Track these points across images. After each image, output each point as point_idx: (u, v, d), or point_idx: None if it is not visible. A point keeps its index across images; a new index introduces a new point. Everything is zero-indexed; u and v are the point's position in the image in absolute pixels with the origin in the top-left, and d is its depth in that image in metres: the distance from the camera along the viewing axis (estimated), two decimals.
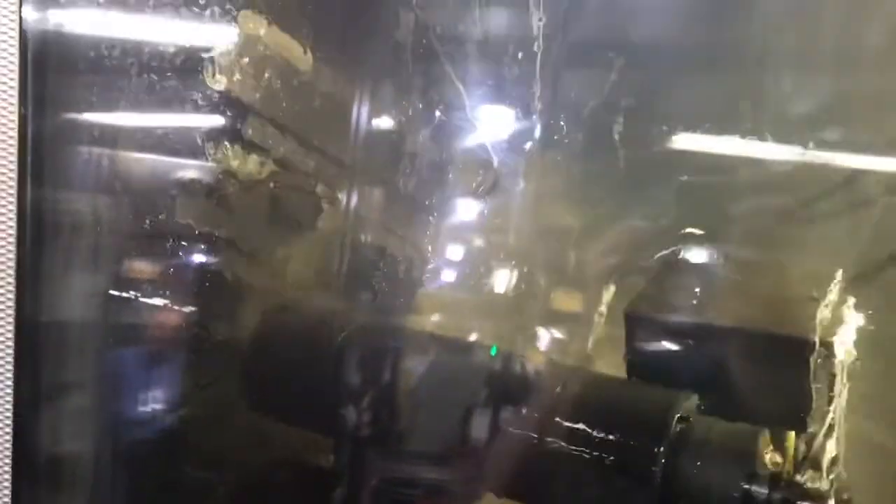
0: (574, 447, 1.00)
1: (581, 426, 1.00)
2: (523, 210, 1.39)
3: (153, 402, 1.29)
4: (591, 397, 1.05)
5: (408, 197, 1.42)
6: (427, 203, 1.41)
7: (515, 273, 1.37)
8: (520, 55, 1.29)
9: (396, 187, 1.40)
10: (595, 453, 0.98)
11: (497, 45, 1.32)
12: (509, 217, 1.40)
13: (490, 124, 1.36)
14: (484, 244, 1.41)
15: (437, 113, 1.35)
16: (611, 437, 0.98)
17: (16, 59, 0.81)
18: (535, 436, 1.04)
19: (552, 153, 1.34)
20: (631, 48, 1.26)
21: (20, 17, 0.82)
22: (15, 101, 0.81)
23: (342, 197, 1.40)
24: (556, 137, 1.33)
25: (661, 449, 0.95)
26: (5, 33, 0.83)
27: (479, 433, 1.11)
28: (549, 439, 1.03)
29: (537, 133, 1.33)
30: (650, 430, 0.97)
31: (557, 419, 1.03)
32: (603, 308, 1.25)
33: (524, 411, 1.09)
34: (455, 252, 1.42)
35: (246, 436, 1.35)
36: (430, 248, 1.41)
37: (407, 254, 1.42)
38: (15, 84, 0.81)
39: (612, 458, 0.98)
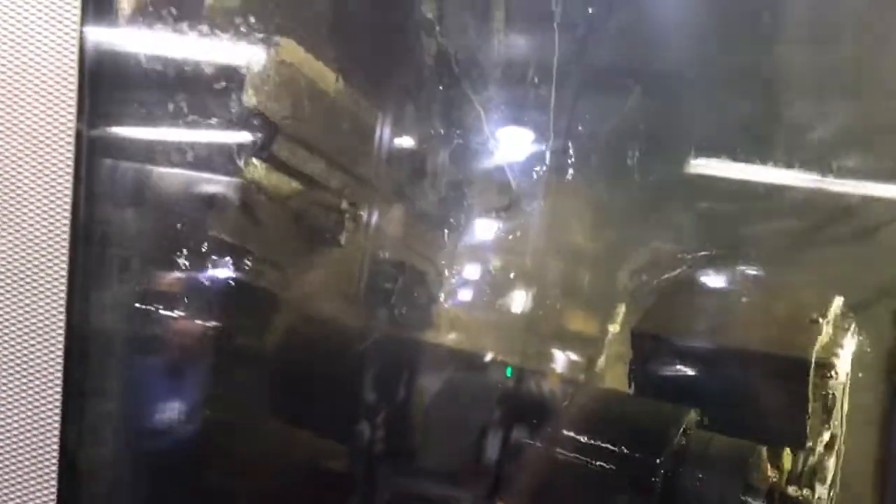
0: (579, 458, 1.05)
1: (585, 438, 1.05)
2: (539, 231, 1.43)
3: (186, 410, 1.35)
4: (595, 410, 1.09)
5: (427, 216, 1.47)
6: (446, 222, 1.46)
7: (530, 292, 1.41)
8: (538, 81, 1.34)
9: (417, 206, 1.46)
10: (599, 464, 1.03)
11: (516, 70, 1.37)
12: (525, 237, 1.44)
13: (509, 147, 1.41)
14: (500, 263, 1.46)
15: (458, 135, 1.41)
16: (614, 448, 1.03)
17: (75, 78, 0.88)
18: (542, 447, 1.09)
19: (568, 176, 1.39)
20: (647, 75, 1.31)
21: (80, 37, 0.89)
22: (73, 116, 0.88)
23: (364, 214, 1.45)
24: (572, 161, 1.37)
25: (662, 461, 0.99)
26: (66, 50, 0.90)
27: (489, 446, 1.15)
28: (556, 450, 1.08)
29: (554, 156, 1.38)
30: (652, 443, 1.01)
31: (563, 431, 1.08)
32: (615, 327, 1.29)
33: (532, 424, 1.14)
34: (471, 271, 1.47)
35: (274, 442, 1.40)
36: (447, 266, 1.45)
37: (424, 271, 1.47)
38: (74, 100, 0.88)
39: (615, 468, 1.02)
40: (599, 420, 1.08)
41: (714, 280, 1.18)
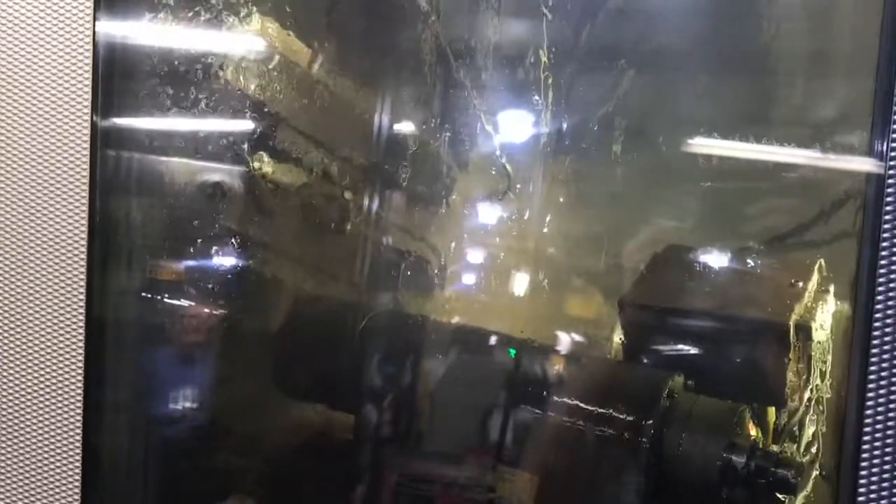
0: (572, 423, 1.10)
1: (578, 404, 1.11)
2: (537, 215, 1.46)
3: (200, 395, 1.41)
4: (587, 378, 1.15)
5: (425, 201, 1.51)
6: (444, 208, 1.50)
7: (530, 277, 1.45)
8: (532, 64, 1.37)
9: (414, 192, 1.50)
10: (591, 427, 1.09)
11: (510, 54, 1.40)
12: (523, 222, 1.48)
13: (504, 131, 1.45)
14: (498, 249, 1.49)
15: (453, 121, 1.45)
16: (604, 412, 1.08)
17: (89, 70, 0.94)
18: (540, 413, 1.15)
19: (566, 159, 1.42)
20: (641, 55, 1.34)
21: (94, 31, 0.94)
22: (88, 109, 0.94)
23: (365, 201, 1.49)
24: (568, 144, 1.41)
25: (649, 423, 1.05)
26: (80, 45, 0.95)
27: (492, 417, 1.21)
28: (553, 417, 1.14)
29: (551, 139, 1.41)
30: (640, 406, 1.07)
31: (559, 398, 1.14)
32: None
33: (532, 394, 1.19)
34: (471, 257, 1.51)
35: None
36: (446, 252, 1.49)
37: (425, 257, 1.51)
38: (88, 93, 0.94)
39: (605, 431, 1.08)
40: (591, 386, 1.13)
41: (700, 253, 1.22)
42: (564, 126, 1.39)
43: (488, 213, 1.49)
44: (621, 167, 1.34)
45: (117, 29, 1.03)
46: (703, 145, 1.24)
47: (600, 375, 1.16)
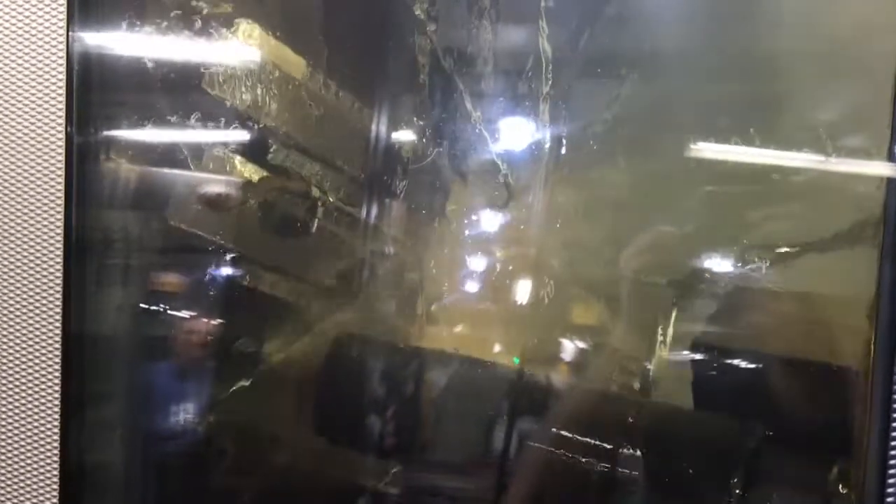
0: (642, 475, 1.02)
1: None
2: (540, 224, 1.42)
3: (185, 411, 1.35)
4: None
5: (422, 211, 1.46)
6: (442, 217, 1.45)
7: (541, 287, 1.39)
8: (530, 71, 1.33)
9: (411, 202, 1.45)
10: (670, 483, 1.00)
11: (507, 61, 1.36)
12: (526, 231, 1.43)
13: (503, 139, 1.41)
14: (499, 259, 1.45)
15: (451, 130, 1.40)
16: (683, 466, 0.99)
17: (63, 80, 0.88)
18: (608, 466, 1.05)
19: (567, 166, 1.38)
20: (643, 60, 1.29)
21: (68, 40, 0.89)
22: (62, 120, 0.88)
23: (361, 212, 1.45)
24: (567, 151, 1.36)
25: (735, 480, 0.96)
26: (53, 55, 0.89)
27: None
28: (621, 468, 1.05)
29: (550, 146, 1.37)
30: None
31: (630, 447, 1.05)
32: (666, 331, 1.24)
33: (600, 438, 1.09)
34: (473, 266, 1.46)
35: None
36: (443, 263, 1.45)
37: (423, 268, 1.46)
38: (62, 104, 0.88)
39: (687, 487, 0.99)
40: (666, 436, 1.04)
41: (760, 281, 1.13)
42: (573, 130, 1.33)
43: None
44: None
45: (92, 39, 0.97)
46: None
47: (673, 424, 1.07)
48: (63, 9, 0.91)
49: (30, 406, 0.96)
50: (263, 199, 1.33)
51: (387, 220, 1.40)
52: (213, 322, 1.34)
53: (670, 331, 1.16)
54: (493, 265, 1.39)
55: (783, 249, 1.13)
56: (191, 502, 1.33)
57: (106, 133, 1.04)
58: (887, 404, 0.82)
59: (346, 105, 1.39)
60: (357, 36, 1.39)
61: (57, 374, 0.94)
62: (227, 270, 1.34)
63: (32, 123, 0.91)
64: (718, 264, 1.16)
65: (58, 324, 0.95)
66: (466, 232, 1.40)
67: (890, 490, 0.85)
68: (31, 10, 0.91)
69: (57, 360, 0.95)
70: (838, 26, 1.20)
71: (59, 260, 0.93)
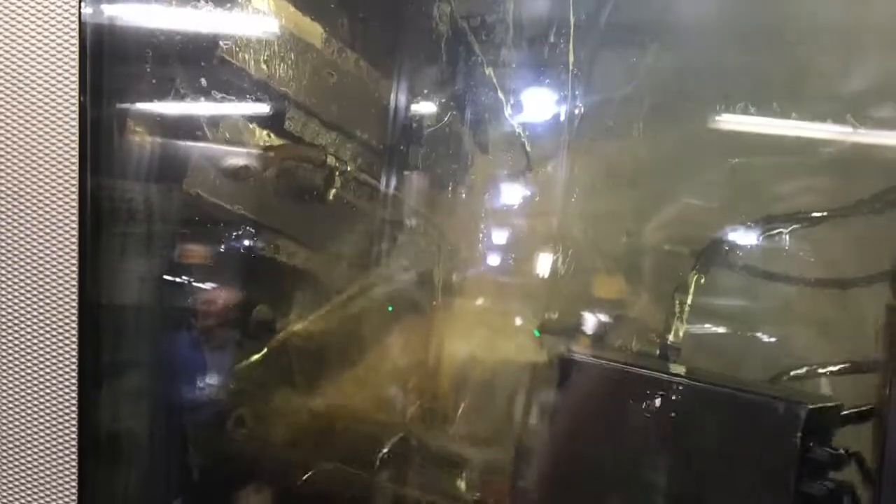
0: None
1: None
2: (564, 193, 1.40)
3: (208, 381, 1.37)
4: None
5: (446, 182, 1.45)
6: (464, 187, 1.44)
7: (563, 258, 1.37)
8: (553, 40, 1.31)
9: (434, 172, 1.44)
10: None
11: (530, 30, 1.34)
12: (549, 201, 1.41)
13: (525, 108, 1.38)
14: (523, 229, 1.43)
15: (472, 99, 1.38)
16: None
17: (76, 51, 0.88)
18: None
19: (588, 137, 1.35)
20: (668, 29, 1.26)
21: (80, 11, 0.89)
22: (75, 90, 0.88)
23: (381, 184, 1.44)
24: (590, 121, 1.34)
25: None
26: (66, 26, 0.89)
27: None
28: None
29: (573, 117, 1.35)
30: None
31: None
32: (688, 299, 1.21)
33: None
34: (497, 236, 1.45)
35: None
36: (467, 233, 1.44)
37: (447, 238, 1.45)
38: (75, 74, 0.88)
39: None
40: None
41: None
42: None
43: None
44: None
45: (104, 10, 0.96)
46: None
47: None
48: None
49: (48, 376, 0.97)
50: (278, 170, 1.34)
51: None
52: (231, 292, 1.35)
53: None
54: None
55: None
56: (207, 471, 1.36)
57: (119, 105, 1.04)
58: None
59: None
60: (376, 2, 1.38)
61: (74, 343, 0.95)
62: (246, 241, 1.35)
63: (47, 94, 0.91)
64: None
65: (74, 291, 0.95)
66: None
67: None
68: None
69: (74, 328, 0.95)
70: None
71: (75, 227, 0.93)
